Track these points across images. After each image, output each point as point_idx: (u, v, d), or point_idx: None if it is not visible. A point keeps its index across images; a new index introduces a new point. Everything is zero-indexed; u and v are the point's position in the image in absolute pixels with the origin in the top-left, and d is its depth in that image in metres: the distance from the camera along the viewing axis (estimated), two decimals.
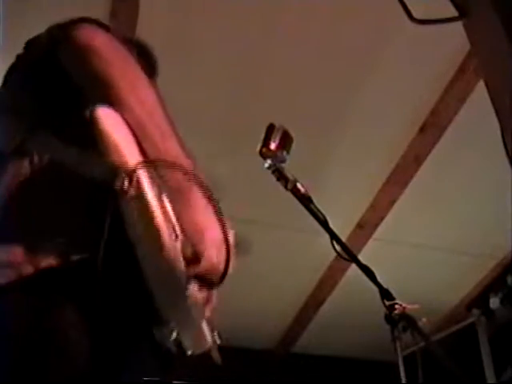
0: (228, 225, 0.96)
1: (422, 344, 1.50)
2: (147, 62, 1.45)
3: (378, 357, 4.27)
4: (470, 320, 4.19)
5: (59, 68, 1.03)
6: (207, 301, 1.01)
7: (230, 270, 0.96)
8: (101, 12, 2.57)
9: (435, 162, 3.36)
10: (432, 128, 3.22)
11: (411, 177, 3.45)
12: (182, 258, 0.95)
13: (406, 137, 3.30)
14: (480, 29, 1.35)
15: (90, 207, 0.95)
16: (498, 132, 1.29)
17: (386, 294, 1.56)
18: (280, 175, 1.59)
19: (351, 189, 3.54)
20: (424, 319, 1.53)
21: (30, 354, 0.87)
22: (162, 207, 0.94)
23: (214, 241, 0.95)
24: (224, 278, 0.95)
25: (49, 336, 0.89)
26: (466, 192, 3.59)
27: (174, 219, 0.96)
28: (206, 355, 1.05)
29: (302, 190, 1.59)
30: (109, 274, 0.90)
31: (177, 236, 0.97)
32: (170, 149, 0.98)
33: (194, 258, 0.96)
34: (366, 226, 3.75)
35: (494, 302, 4.03)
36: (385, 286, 1.58)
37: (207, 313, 1.04)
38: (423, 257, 4.01)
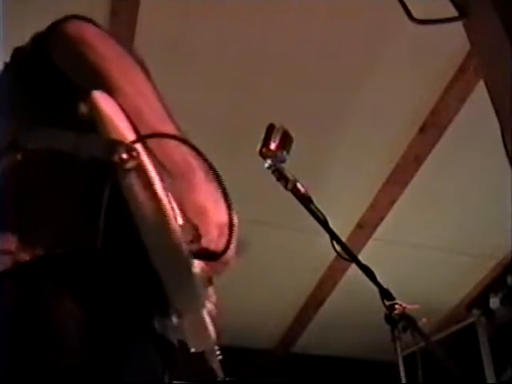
0: (233, 205, 0.94)
1: (422, 344, 1.51)
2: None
3: (378, 357, 4.27)
4: (470, 320, 4.20)
5: (50, 64, 1.03)
6: (209, 281, 1.00)
7: (231, 251, 0.94)
8: (101, 12, 2.58)
9: (435, 162, 3.37)
10: (432, 128, 3.22)
11: (411, 177, 3.46)
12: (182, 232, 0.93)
13: (405, 137, 3.30)
14: (480, 29, 1.35)
15: (87, 194, 0.94)
16: (498, 132, 1.28)
17: (385, 294, 1.56)
18: (280, 175, 1.59)
19: (351, 189, 3.54)
20: (424, 319, 1.53)
21: (26, 343, 0.86)
22: (163, 186, 0.93)
23: (217, 223, 0.93)
24: (224, 254, 0.92)
25: (45, 325, 0.88)
26: (466, 192, 3.59)
27: (172, 200, 0.95)
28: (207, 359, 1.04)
29: (302, 190, 1.59)
30: (109, 260, 0.89)
31: (176, 217, 0.96)
32: (169, 131, 0.97)
33: (193, 240, 0.94)
34: (365, 226, 3.75)
35: (494, 302, 4.03)
36: (385, 286, 1.58)
37: (212, 297, 1.03)
38: (423, 257, 4.01)
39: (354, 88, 3.06)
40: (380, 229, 3.76)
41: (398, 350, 1.59)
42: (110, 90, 0.96)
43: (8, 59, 1.11)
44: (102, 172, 0.86)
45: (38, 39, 1.06)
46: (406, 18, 1.40)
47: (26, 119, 1.00)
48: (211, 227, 0.94)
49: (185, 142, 0.91)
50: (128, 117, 0.95)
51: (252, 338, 4.53)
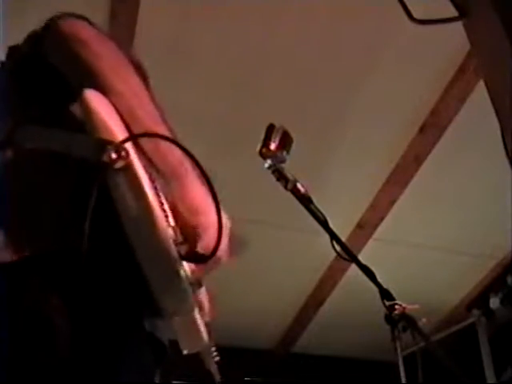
0: (222, 206, 0.94)
1: (422, 344, 1.50)
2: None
3: (378, 357, 4.27)
4: (470, 320, 4.20)
5: (45, 63, 1.03)
6: (200, 283, 0.99)
7: (222, 251, 0.94)
8: (101, 13, 2.58)
9: (435, 162, 3.37)
10: (432, 128, 3.22)
11: (411, 177, 3.46)
12: (173, 237, 0.92)
13: (405, 137, 3.30)
14: (480, 29, 1.35)
15: (76, 194, 0.93)
16: (498, 132, 1.29)
17: (385, 294, 1.56)
18: (280, 175, 1.59)
19: (351, 189, 3.54)
20: (424, 319, 1.53)
21: (12, 337, 0.87)
22: (153, 186, 0.92)
23: (213, 222, 0.92)
24: (213, 255, 0.91)
25: (32, 319, 0.89)
26: (466, 192, 3.59)
27: (165, 203, 0.94)
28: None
29: (302, 190, 1.59)
30: (97, 259, 0.89)
31: (167, 218, 0.95)
32: (162, 132, 0.96)
33: (188, 241, 0.94)
34: (365, 226, 3.75)
35: (494, 302, 4.03)
36: (385, 286, 1.58)
37: (202, 297, 1.02)
38: (423, 257, 4.01)
39: (354, 88, 3.06)
40: (380, 229, 3.76)
41: (398, 349, 1.59)
42: (104, 89, 0.95)
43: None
44: (91, 171, 0.85)
45: (34, 37, 1.06)
46: (406, 17, 1.40)
47: (21, 118, 0.99)
48: (208, 226, 0.93)
49: (175, 143, 0.91)
50: (121, 116, 0.95)
51: (252, 338, 4.53)
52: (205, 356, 1.03)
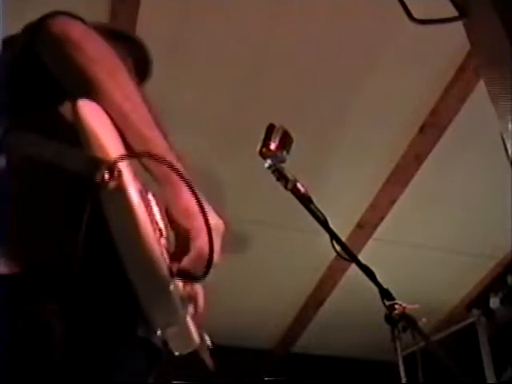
0: (212, 219, 0.95)
1: (422, 344, 1.51)
2: (139, 58, 1.45)
3: (378, 357, 4.27)
4: (470, 320, 4.20)
5: (37, 62, 1.02)
6: (191, 297, 1.00)
7: (215, 261, 0.94)
8: (101, 12, 2.58)
9: (435, 161, 3.37)
10: (432, 128, 3.22)
11: (411, 177, 3.45)
12: (166, 254, 0.94)
13: (405, 137, 3.30)
14: (480, 29, 1.35)
15: (68, 208, 0.94)
16: (498, 132, 1.29)
17: (385, 293, 1.56)
18: (280, 175, 1.59)
19: (351, 189, 3.54)
20: (424, 319, 1.53)
21: (10, 339, 0.87)
22: (146, 202, 0.93)
23: (205, 230, 0.93)
24: (209, 271, 0.92)
25: (30, 322, 0.89)
26: (466, 192, 3.59)
27: (158, 215, 0.95)
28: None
29: (302, 190, 1.59)
30: (89, 272, 0.89)
31: (161, 232, 0.96)
32: (156, 138, 0.97)
33: (180, 253, 0.95)
34: (365, 226, 3.75)
35: (494, 302, 4.03)
36: (385, 285, 1.58)
37: (191, 310, 1.03)
38: (423, 257, 4.01)
39: (354, 88, 3.06)
40: (380, 229, 3.76)
41: (398, 349, 1.59)
42: (96, 94, 0.95)
43: None
44: (83, 187, 0.85)
45: (28, 32, 1.04)
46: (406, 17, 1.40)
47: (9, 117, 0.99)
48: (201, 229, 0.94)
49: (161, 160, 0.92)
50: (114, 122, 0.95)
51: (252, 338, 4.52)
52: (198, 346, 1.04)
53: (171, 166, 0.91)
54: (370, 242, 3.81)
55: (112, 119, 0.95)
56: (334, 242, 1.60)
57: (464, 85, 3.00)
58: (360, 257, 1.65)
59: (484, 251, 4.00)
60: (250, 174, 2.47)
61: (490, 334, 4.05)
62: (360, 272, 1.59)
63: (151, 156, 0.93)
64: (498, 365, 3.88)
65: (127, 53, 1.46)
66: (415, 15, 1.39)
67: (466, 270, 4.14)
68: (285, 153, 1.59)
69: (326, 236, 1.59)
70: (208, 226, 0.90)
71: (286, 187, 1.59)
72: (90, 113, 0.91)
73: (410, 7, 1.38)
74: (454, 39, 2.25)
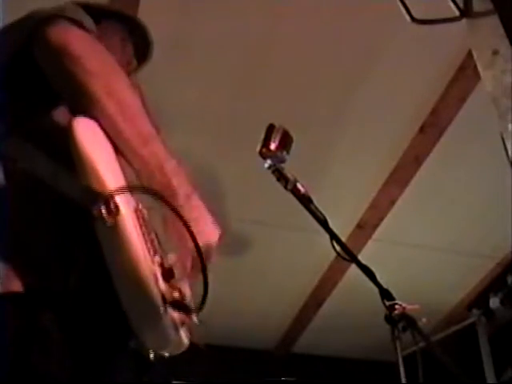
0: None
1: (422, 344, 1.50)
2: (140, 42, 1.44)
3: (378, 357, 4.27)
4: (470, 320, 4.20)
5: (34, 66, 1.01)
6: (183, 323, 1.00)
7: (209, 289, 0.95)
8: None
9: (435, 161, 3.36)
10: (432, 128, 3.22)
11: (411, 177, 3.45)
12: (161, 283, 0.93)
13: (406, 137, 3.30)
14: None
15: (62, 232, 0.94)
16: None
17: (385, 294, 1.56)
18: (280, 175, 1.59)
19: (351, 189, 3.54)
20: (424, 319, 1.53)
21: (11, 347, 0.88)
22: (141, 222, 0.93)
23: (193, 250, 0.95)
24: (203, 305, 0.94)
25: (32, 335, 0.90)
26: (466, 192, 3.59)
27: (156, 245, 0.95)
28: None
29: (302, 190, 1.59)
30: (84, 295, 0.91)
31: (155, 250, 0.96)
32: (154, 153, 0.97)
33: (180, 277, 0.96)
34: (365, 226, 3.75)
35: (494, 302, 4.03)
36: (385, 286, 1.58)
37: (185, 334, 1.03)
38: (423, 257, 4.01)
39: (354, 88, 3.06)
40: (380, 229, 3.76)
41: (398, 350, 1.58)
42: (92, 110, 0.95)
43: None
44: (78, 212, 0.85)
45: (27, 38, 1.02)
46: (406, 17, 1.40)
47: (6, 122, 0.97)
48: (187, 256, 0.96)
49: (154, 192, 0.92)
50: (111, 139, 0.95)
51: (252, 339, 4.52)
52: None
53: (162, 200, 0.91)
54: (370, 243, 3.81)
55: (107, 133, 0.95)
56: (334, 243, 1.60)
57: (464, 85, 3.00)
58: (360, 257, 1.65)
59: (484, 251, 4.00)
60: (250, 174, 2.47)
61: (490, 334, 4.05)
62: (360, 272, 1.59)
63: (146, 190, 0.93)
64: (498, 365, 3.88)
65: (127, 35, 1.46)
66: (415, 15, 1.39)
67: (466, 270, 4.14)
68: (285, 153, 1.59)
69: (326, 236, 1.59)
70: (200, 254, 0.92)
71: (286, 187, 1.58)
72: (86, 135, 0.90)
73: (410, 7, 1.38)
74: (454, 39, 2.26)
